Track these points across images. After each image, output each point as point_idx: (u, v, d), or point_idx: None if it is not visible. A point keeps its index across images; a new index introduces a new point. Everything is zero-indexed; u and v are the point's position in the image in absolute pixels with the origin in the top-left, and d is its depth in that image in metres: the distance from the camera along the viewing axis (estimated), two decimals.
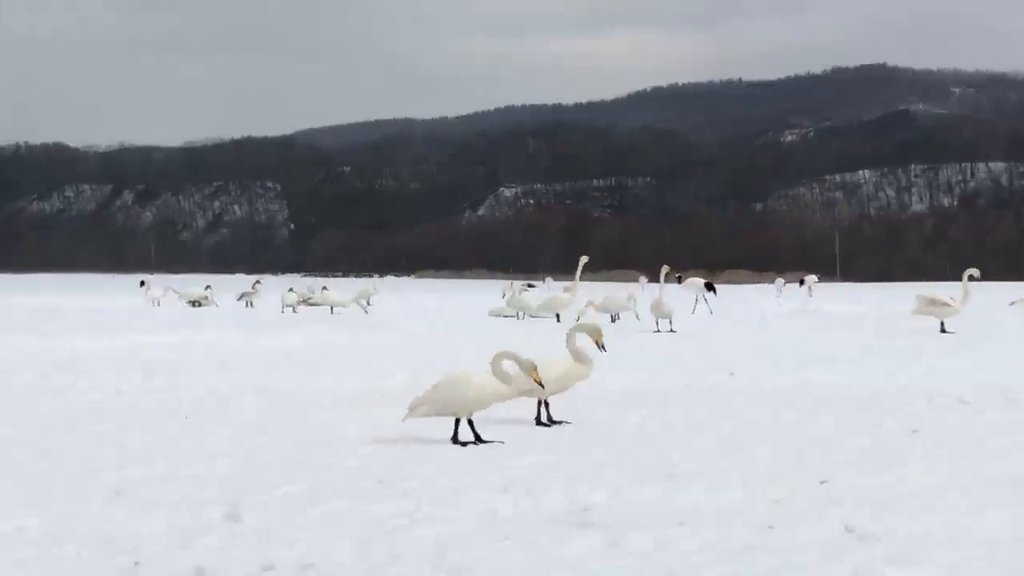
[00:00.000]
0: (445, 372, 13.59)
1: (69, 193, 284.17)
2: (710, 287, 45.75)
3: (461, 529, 8.72)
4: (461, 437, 12.78)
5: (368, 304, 47.64)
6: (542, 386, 13.34)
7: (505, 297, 43.03)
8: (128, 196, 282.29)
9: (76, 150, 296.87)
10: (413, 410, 13.03)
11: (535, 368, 13.04)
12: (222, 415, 15.36)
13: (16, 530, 8.79)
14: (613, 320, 37.50)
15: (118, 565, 7.84)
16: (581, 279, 37.71)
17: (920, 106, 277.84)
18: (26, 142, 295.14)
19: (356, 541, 8.34)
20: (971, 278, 32.36)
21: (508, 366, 13.00)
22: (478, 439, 12.75)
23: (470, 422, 12.85)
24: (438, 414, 12.92)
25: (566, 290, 39.63)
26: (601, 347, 14.48)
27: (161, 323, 37.27)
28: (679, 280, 45.30)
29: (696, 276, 44.77)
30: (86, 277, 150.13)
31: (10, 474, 10.98)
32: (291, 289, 50.83)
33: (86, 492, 10.06)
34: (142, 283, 62.01)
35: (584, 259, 37.64)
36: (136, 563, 7.89)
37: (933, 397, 16.61)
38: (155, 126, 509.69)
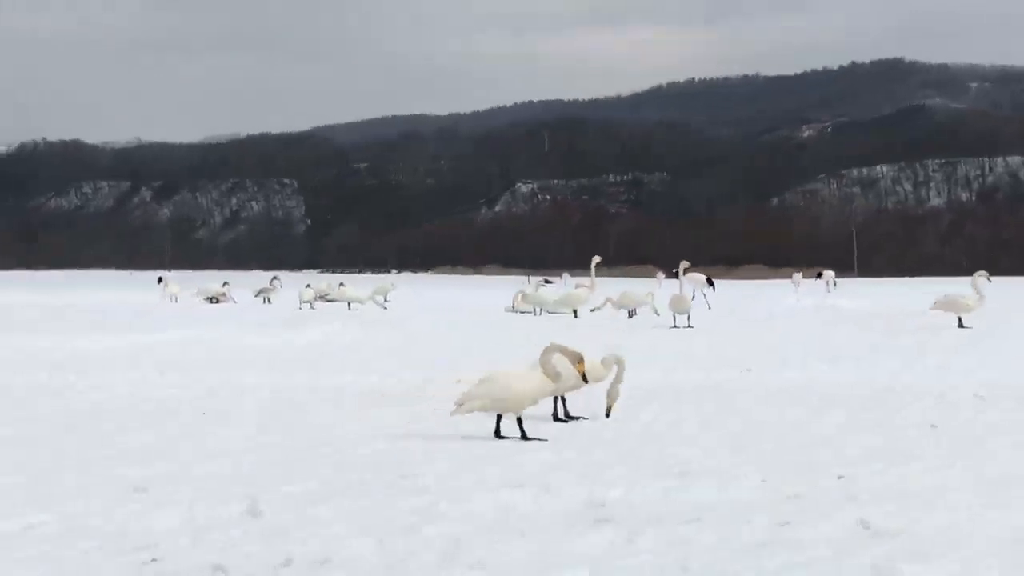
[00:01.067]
0: (490, 369, 13.53)
1: (86, 190, 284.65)
2: (710, 282, 45.86)
3: (477, 524, 8.74)
4: (505, 432, 12.79)
5: (385, 300, 47.73)
6: (585, 380, 13.29)
7: (516, 293, 43.01)
8: (145, 193, 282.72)
9: (93, 147, 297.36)
10: (460, 406, 12.99)
11: (581, 360, 12.98)
12: (238, 411, 15.40)
13: (26, 527, 8.81)
14: (630, 316, 37.52)
15: (134, 561, 7.87)
16: (596, 275, 37.84)
17: (937, 100, 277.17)
18: (44, 139, 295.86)
19: (372, 536, 8.36)
20: (981, 276, 32.32)
21: (556, 361, 12.95)
22: (524, 436, 12.70)
23: (519, 420, 12.81)
24: (486, 410, 12.88)
25: (579, 286, 39.70)
26: (607, 413, 14.37)
27: (178, 319, 37.33)
28: (676, 275, 45.34)
29: (698, 272, 44.68)
30: (104, 274, 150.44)
31: (24, 472, 11.02)
32: (308, 285, 50.99)
33: (101, 489, 10.09)
34: (160, 280, 62.20)
35: (596, 259, 37.77)
36: (153, 559, 7.91)
37: (947, 393, 16.61)
38: (172, 122, 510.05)
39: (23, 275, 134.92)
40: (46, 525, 8.86)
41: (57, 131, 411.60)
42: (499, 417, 12.87)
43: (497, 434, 12.76)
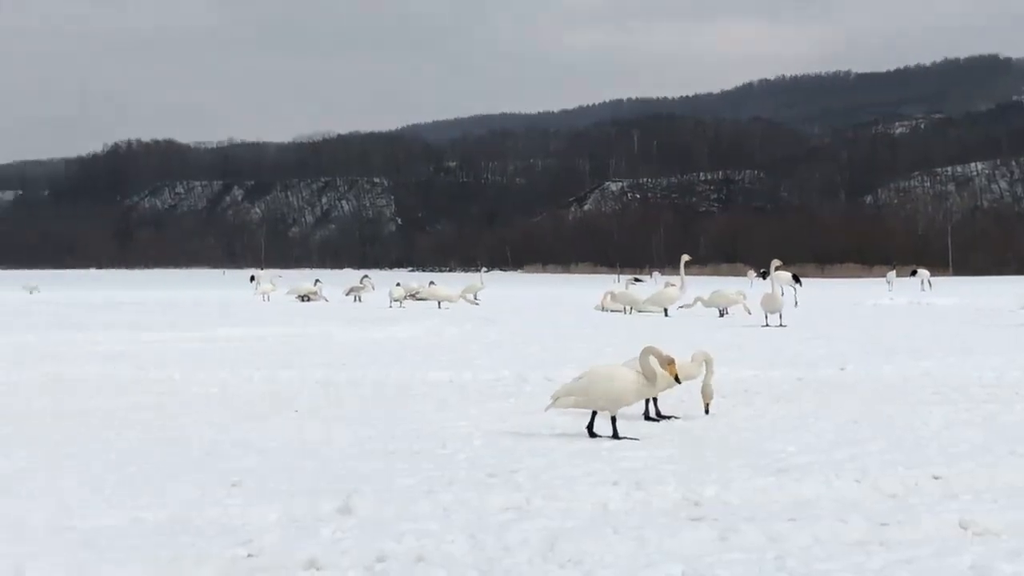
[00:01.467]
0: (591, 366, 13.43)
1: (180, 189, 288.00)
2: (796, 279, 45.57)
3: (572, 522, 8.71)
4: (597, 430, 12.71)
5: (475, 299, 47.83)
6: (678, 380, 13.14)
7: (606, 292, 42.94)
8: (238, 192, 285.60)
9: (187, 147, 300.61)
10: (556, 400, 12.94)
11: (672, 362, 12.85)
12: (334, 408, 15.47)
13: (133, 521, 8.89)
14: (721, 315, 37.33)
15: (232, 556, 7.91)
16: (687, 274, 37.72)
17: None
18: (138, 139, 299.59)
19: (467, 533, 8.35)
20: None
21: (653, 363, 12.82)
22: (615, 436, 12.63)
23: (612, 419, 12.73)
24: (581, 407, 12.83)
25: (668, 285, 39.58)
26: (706, 410, 14.27)
27: (271, 317, 37.63)
28: (764, 275, 45.00)
29: (785, 270, 44.45)
30: (197, 272, 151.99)
31: (126, 466, 11.13)
32: (398, 284, 51.19)
33: (202, 483, 10.16)
34: (252, 278, 62.75)
35: (685, 257, 37.65)
36: (249, 555, 7.95)
37: None
38: (264, 122, 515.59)
39: (120, 273, 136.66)
40: (150, 519, 8.93)
41: (151, 131, 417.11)
42: (593, 414, 12.81)
43: (590, 432, 12.69)
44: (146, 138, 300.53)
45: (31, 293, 63.71)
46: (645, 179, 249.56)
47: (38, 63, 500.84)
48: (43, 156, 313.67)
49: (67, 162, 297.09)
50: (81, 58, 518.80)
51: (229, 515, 9.03)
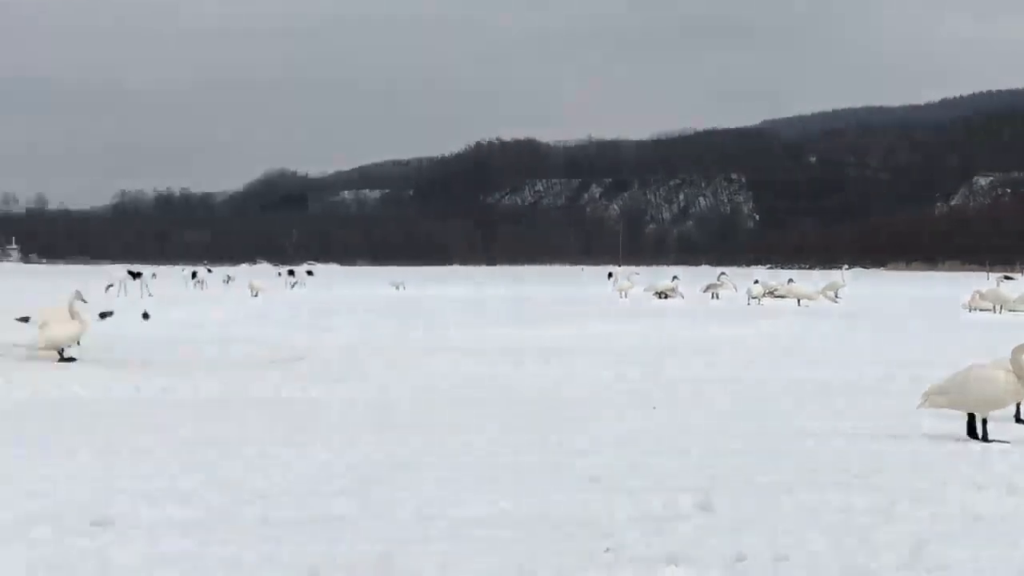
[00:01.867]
0: (965, 366, 12.99)
1: (539, 187, 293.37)
2: None
3: (939, 527, 8.43)
4: (980, 434, 12.28)
5: (836, 296, 47.04)
6: None
7: (975, 291, 41.55)
8: (596, 190, 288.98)
9: (546, 145, 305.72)
10: (927, 400, 12.59)
11: None
12: (693, 404, 15.46)
13: (495, 513, 9.02)
14: None
15: (590, 549, 7.92)
16: None
17: None
18: (498, 139, 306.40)
19: (830, 534, 8.17)
20: None
21: None
22: (985, 438, 12.17)
23: (983, 421, 12.28)
24: (952, 407, 12.44)
25: None
26: None
27: (629, 313, 37.88)
28: None
29: None
30: (556, 269, 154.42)
31: (490, 458, 11.33)
32: (756, 281, 50.79)
33: (561, 477, 10.26)
34: (610, 275, 63.37)
35: None
36: (607, 549, 7.95)
37: None
38: (622, 120, 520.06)
39: (482, 270, 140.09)
40: (511, 511, 9.04)
41: (512, 131, 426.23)
42: (971, 416, 12.32)
43: (973, 433, 12.21)
44: (507, 137, 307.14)
45: (397, 289, 65.91)
46: (1016, 173, 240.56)
47: (404, 65, 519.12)
48: (409, 155, 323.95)
49: (431, 161, 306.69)
50: (447, 60, 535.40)
51: (587, 509, 9.06)
